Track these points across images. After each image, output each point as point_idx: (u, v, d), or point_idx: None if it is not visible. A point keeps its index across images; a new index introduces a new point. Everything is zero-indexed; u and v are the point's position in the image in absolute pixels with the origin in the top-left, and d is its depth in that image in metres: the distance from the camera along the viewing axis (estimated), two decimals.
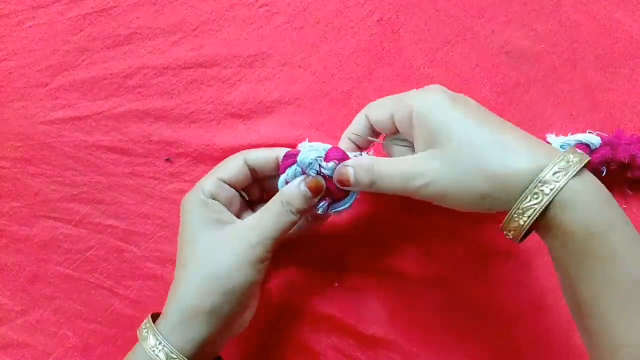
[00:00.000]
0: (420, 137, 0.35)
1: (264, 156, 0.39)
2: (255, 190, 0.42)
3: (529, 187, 0.31)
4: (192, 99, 0.46)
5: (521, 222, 0.32)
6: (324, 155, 0.38)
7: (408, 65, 0.46)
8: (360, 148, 0.40)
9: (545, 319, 0.45)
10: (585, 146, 0.43)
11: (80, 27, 0.46)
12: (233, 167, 0.39)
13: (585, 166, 0.31)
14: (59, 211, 0.46)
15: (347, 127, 0.45)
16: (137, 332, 0.36)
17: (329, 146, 0.39)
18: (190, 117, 0.46)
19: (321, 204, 0.38)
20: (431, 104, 0.34)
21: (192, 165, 0.46)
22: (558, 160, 0.31)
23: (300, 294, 0.46)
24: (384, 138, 0.40)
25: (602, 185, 0.32)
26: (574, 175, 0.31)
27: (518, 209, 0.31)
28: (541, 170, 0.31)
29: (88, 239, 0.46)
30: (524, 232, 0.32)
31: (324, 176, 0.37)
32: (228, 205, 0.38)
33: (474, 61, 0.46)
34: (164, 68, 0.46)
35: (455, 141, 0.33)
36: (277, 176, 0.39)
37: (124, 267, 0.46)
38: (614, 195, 0.32)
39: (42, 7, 0.46)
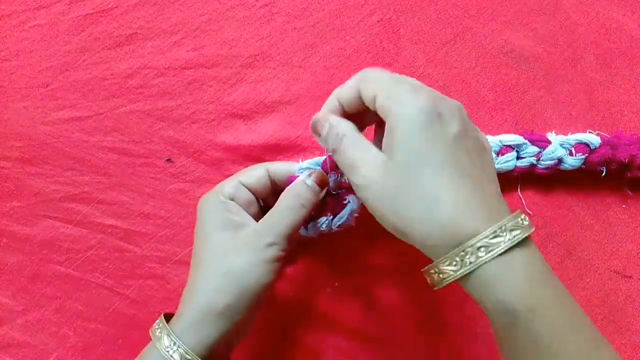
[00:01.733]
0: (385, 138, 0.32)
1: (285, 169, 0.40)
2: (273, 201, 0.42)
3: (452, 251, 0.29)
4: (192, 99, 0.46)
5: (436, 279, 0.31)
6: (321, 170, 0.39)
7: (408, 65, 0.46)
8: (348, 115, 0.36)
9: None
10: (585, 146, 0.43)
11: (81, 27, 0.46)
12: (255, 174, 0.40)
13: (521, 242, 0.29)
14: (60, 211, 0.46)
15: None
16: (150, 332, 0.36)
17: (322, 158, 0.40)
18: (191, 118, 0.46)
19: (324, 220, 0.39)
20: (409, 116, 0.30)
21: (193, 166, 0.46)
22: (489, 233, 0.28)
23: (300, 294, 0.46)
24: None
25: (537, 258, 0.30)
26: (502, 253, 0.28)
27: (436, 267, 0.30)
28: (471, 237, 0.28)
29: (89, 238, 0.46)
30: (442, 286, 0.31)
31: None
32: (246, 208, 0.39)
33: (474, 61, 0.46)
34: (165, 68, 0.46)
35: (401, 164, 0.30)
36: None
37: (124, 266, 0.46)
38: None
39: (43, 7, 0.46)
